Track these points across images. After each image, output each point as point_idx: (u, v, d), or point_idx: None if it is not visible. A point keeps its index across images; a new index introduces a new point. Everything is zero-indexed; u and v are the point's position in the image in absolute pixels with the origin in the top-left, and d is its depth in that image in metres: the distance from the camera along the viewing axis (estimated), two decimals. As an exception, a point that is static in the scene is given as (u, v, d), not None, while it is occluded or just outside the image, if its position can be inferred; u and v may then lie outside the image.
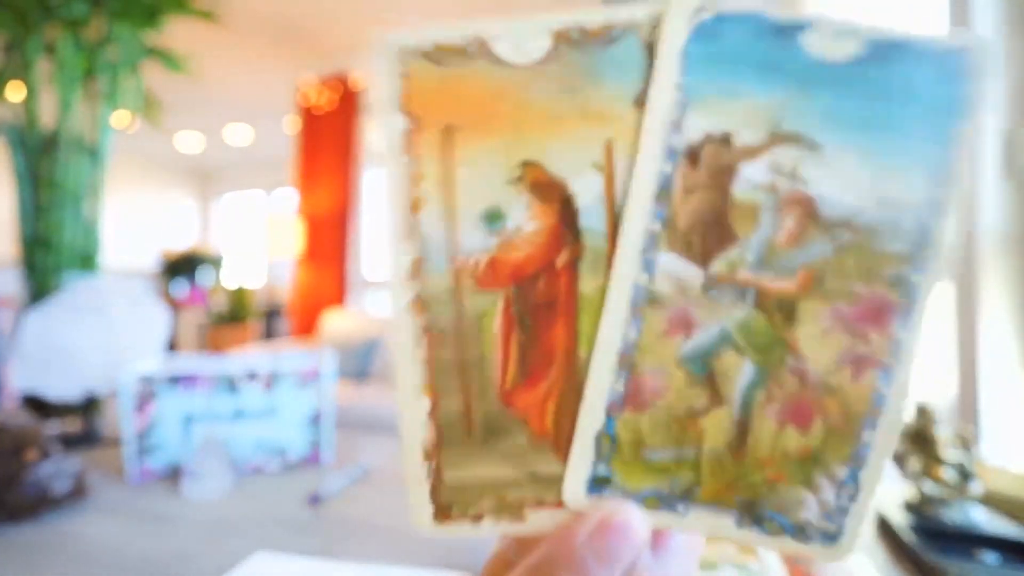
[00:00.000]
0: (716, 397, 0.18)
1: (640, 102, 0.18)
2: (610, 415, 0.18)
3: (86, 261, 0.92)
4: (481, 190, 0.18)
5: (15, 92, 0.91)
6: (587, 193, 0.18)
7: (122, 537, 0.53)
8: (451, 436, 0.19)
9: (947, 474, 0.53)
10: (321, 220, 3.63)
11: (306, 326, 3.57)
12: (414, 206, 0.18)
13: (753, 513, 0.18)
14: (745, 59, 0.18)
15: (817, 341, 0.18)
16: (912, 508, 0.55)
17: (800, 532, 0.18)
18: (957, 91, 0.17)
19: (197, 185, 6.35)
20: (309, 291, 3.63)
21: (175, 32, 1.05)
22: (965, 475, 0.53)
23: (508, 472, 0.19)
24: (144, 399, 0.67)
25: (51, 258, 0.89)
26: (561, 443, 0.19)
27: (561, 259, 0.18)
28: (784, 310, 0.18)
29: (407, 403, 0.19)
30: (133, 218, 5.55)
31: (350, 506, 0.61)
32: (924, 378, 1.12)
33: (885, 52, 0.17)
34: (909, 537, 0.50)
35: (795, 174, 0.18)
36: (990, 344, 0.90)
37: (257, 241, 5.45)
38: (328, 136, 3.62)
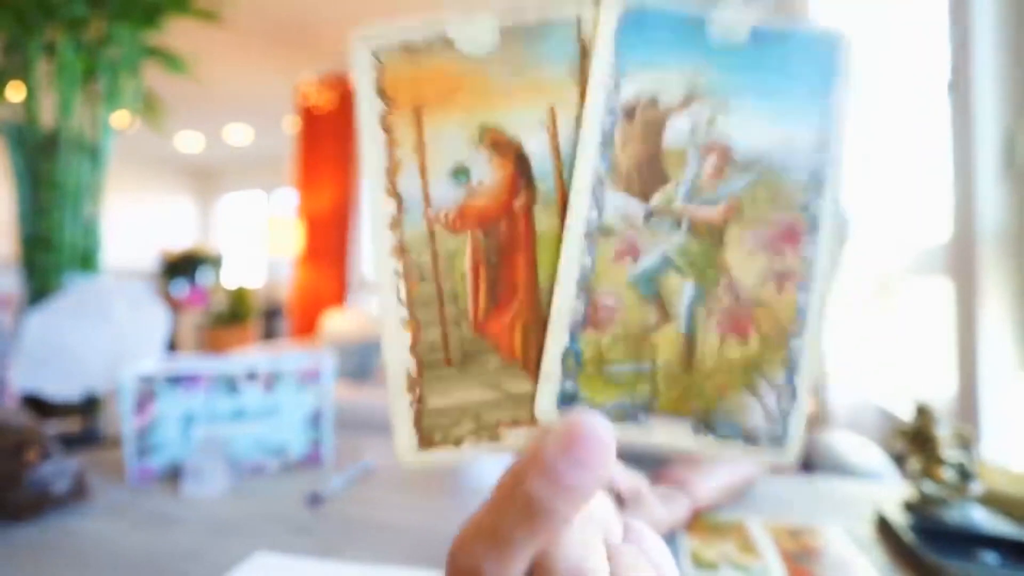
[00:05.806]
0: (664, 314, 0.21)
1: (574, 77, 0.22)
2: (573, 335, 0.21)
3: (86, 261, 0.92)
4: (449, 152, 0.22)
5: (15, 92, 0.91)
6: (536, 148, 0.22)
7: (122, 537, 0.53)
8: (431, 364, 0.21)
9: (947, 474, 0.53)
10: (321, 220, 3.63)
11: (306, 326, 3.58)
12: (392, 170, 0.22)
13: (707, 421, 0.21)
14: (664, 41, 0.22)
15: (744, 261, 0.21)
16: (912, 508, 0.55)
17: (750, 437, 0.21)
18: (826, 66, 0.22)
19: (197, 185, 6.35)
20: (309, 291, 3.63)
21: (175, 32, 1.05)
22: (965, 475, 0.53)
23: (485, 394, 0.21)
24: (144, 399, 0.67)
25: (51, 258, 0.89)
26: (529, 364, 0.21)
27: (518, 203, 0.22)
28: (714, 235, 0.21)
29: (392, 338, 0.21)
30: (133, 218, 5.55)
31: (350, 506, 0.61)
32: (924, 378, 1.11)
33: (768, 39, 0.22)
34: (909, 537, 0.50)
35: (712, 125, 0.21)
36: (990, 344, 0.90)
37: (257, 241, 5.45)
38: (328, 136, 3.62)
